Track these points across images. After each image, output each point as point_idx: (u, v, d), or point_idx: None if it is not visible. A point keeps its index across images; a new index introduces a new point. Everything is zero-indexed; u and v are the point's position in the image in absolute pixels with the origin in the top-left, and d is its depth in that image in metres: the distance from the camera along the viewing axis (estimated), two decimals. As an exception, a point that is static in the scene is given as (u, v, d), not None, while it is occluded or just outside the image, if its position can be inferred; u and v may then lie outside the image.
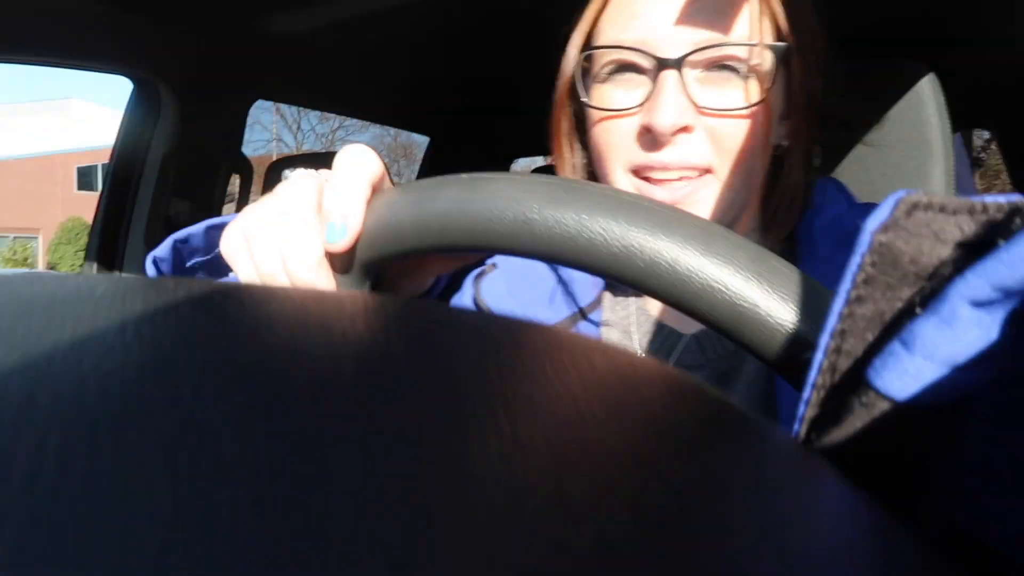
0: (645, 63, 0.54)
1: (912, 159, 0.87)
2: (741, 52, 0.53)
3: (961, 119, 1.40)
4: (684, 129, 0.53)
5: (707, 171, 0.55)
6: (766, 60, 0.54)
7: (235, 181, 1.52)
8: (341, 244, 0.34)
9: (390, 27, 1.21)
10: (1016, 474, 0.17)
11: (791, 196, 0.59)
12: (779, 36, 0.55)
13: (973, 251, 0.18)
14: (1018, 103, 1.21)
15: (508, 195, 0.29)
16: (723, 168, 0.55)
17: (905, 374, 0.17)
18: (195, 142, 1.30)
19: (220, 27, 1.17)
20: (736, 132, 0.54)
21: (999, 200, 0.17)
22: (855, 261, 0.18)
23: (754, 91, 0.54)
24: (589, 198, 0.28)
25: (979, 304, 0.16)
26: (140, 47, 1.15)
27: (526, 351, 0.14)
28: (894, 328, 0.19)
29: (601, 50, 0.57)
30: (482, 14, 1.18)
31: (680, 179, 0.55)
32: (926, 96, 0.87)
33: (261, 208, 0.37)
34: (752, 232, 0.62)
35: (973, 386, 0.17)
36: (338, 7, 1.12)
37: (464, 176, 0.31)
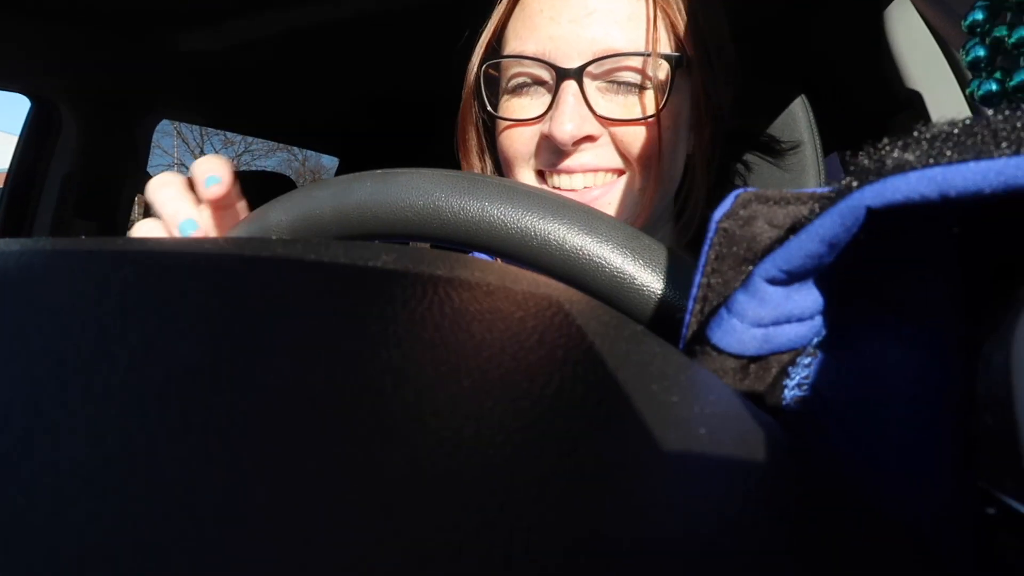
0: (545, 75, 0.56)
1: (788, 173, 0.95)
2: (638, 63, 0.55)
3: (838, 141, 1.53)
4: (588, 138, 0.55)
5: (620, 172, 0.57)
6: (662, 71, 0.56)
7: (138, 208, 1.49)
8: (217, 190, 0.44)
9: (298, 46, 1.23)
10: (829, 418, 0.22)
11: (693, 205, 0.62)
12: (679, 47, 0.57)
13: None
14: (887, 128, 1.33)
15: (419, 186, 0.33)
16: (634, 172, 0.57)
17: (725, 331, 0.23)
18: (97, 162, 1.28)
19: (123, 44, 1.16)
20: (641, 140, 0.56)
21: (815, 192, 0.22)
22: (707, 243, 0.24)
23: (652, 101, 0.55)
24: (489, 187, 0.32)
25: (772, 281, 0.21)
26: (38, 64, 1.13)
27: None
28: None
29: (505, 60, 0.59)
30: (391, 34, 1.21)
31: (585, 187, 0.57)
32: (799, 116, 0.96)
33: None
34: (664, 239, 0.65)
35: (786, 344, 0.23)
36: (245, 26, 1.13)
37: (378, 171, 0.34)
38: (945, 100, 0.89)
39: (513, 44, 0.58)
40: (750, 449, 0.14)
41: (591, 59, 0.54)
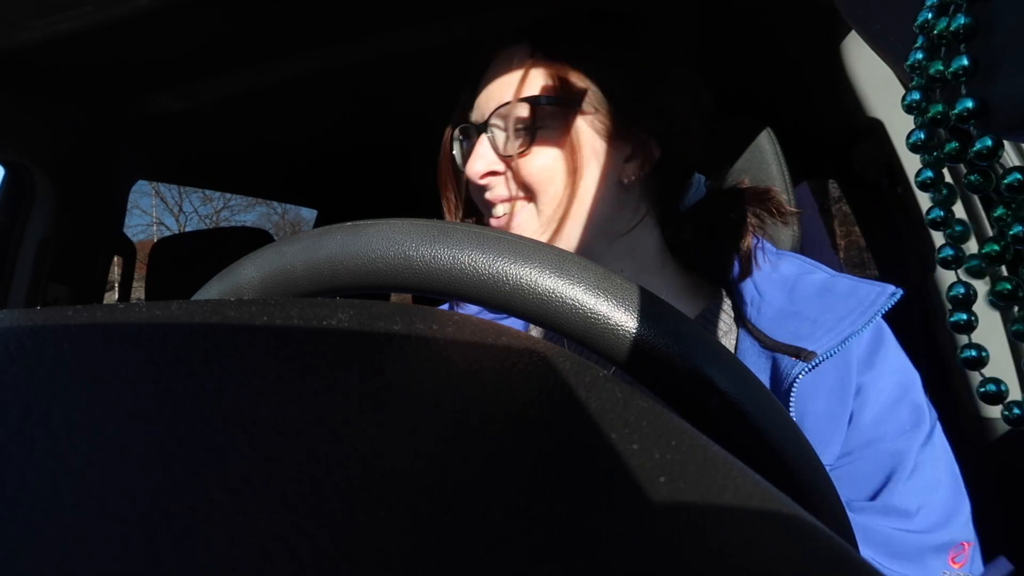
0: (473, 132, 0.73)
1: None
2: (506, 110, 0.69)
3: (805, 170, 1.56)
4: (492, 173, 0.70)
5: (527, 200, 0.69)
6: (524, 111, 0.68)
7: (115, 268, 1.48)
8: None
9: (272, 102, 1.24)
10: None
11: (626, 225, 0.73)
12: (559, 91, 0.68)
13: None
14: (851, 157, 1.37)
15: (389, 236, 0.33)
16: (534, 198, 0.69)
17: None
18: (73, 226, 1.27)
19: (95, 108, 1.17)
20: (529, 172, 0.68)
21: None
22: None
23: (526, 140, 0.68)
24: (459, 235, 0.32)
25: None
26: (11, 131, 1.13)
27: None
28: None
29: (457, 129, 0.77)
30: (365, 87, 1.23)
31: (503, 214, 0.70)
32: (765, 148, 0.98)
33: None
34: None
35: None
36: (217, 84, 1.14)
37: (348, 224, 0.34)
38: (905, 127, 0.92)
39: (466, 112, 0.75)
40: (711, 494, 0.13)
41: (490, 113, 0.69)
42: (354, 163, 1.74)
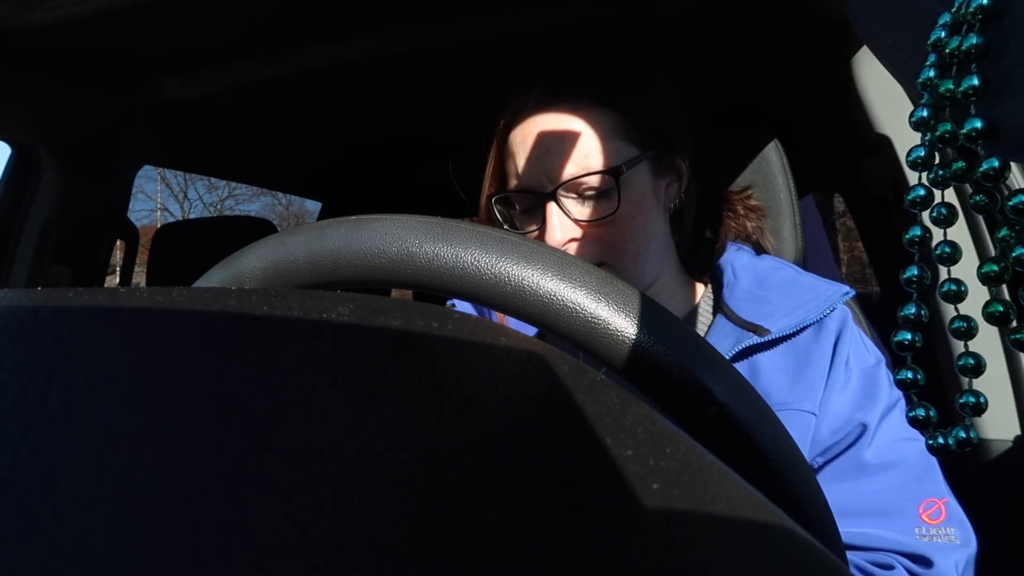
0: (534, 200, 0.73)
1: (766, 217, 0.97)
2: (589, 179, 0.70)
3: (812, 183, 1.56)
4: (573, 240, 0.71)
5: (601, 264, 0.71)
6: (606, 182, 0.71)
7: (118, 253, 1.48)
8: None
9: (280, 93, 1.24)
10: None
11: (687, 244, 0.81)
12: (639, 146, 0.72)
13: None
14: (858, 171, 1.37)
15: (393, 232, 0.33)
16: (616, 259, 0.71)
17: None
18: (78, 208, 1.27)
19: (104, 93, 1.17)
20: (614, 231, 0.71)
21: None
22: None
23: (610, 203, 0.70)
24: (463, 233, 0.32)
25: None
26: (20, 112, 1.13)
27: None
28: None
29: (506, 195, 0.77)
30: (372, 81, 1.23)
31: None
32: (772, 159, 0.98)
33: None
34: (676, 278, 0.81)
35: None
36: (226, 73, 1.14)
37: (352, 218, 0.35)
38: (913, 144, 0.91)
39: (510, 180, 0.76)
40: (704, 503, 0.13)
41: (560, 183, 0.70)
42: (360, 157, 1.74)
